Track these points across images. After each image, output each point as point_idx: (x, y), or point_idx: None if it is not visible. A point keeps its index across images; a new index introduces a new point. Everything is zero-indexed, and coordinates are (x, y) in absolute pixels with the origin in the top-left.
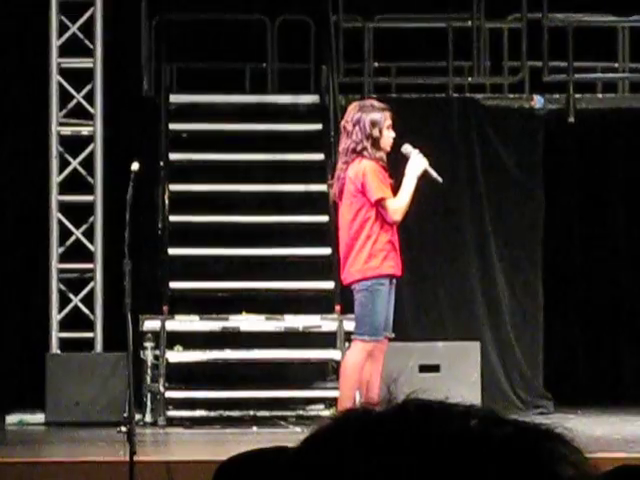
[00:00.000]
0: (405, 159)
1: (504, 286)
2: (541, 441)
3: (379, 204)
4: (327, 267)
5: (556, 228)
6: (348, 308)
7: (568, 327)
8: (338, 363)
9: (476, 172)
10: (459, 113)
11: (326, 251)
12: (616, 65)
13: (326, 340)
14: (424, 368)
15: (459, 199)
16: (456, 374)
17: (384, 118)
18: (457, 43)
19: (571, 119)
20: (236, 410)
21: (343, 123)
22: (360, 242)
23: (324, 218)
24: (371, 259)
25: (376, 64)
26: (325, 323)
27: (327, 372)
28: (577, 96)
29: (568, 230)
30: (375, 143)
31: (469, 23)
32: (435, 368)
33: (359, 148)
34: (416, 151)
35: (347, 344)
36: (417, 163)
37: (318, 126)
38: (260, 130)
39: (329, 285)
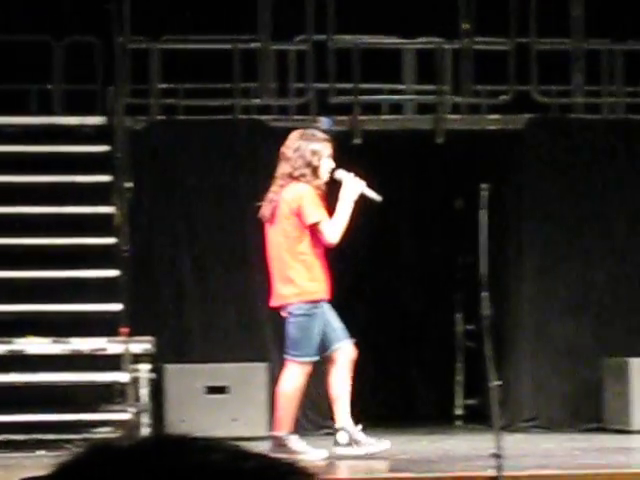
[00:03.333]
0: (339, 184)
1: None
2: (285, 476)
3: (315, 228)
4: (114, 289)
5: (343, 250)
6: (135, 330)
7: (356, 348)
8: (123, 385)
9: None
10: (246, 135)
11: (113, 273)
12: (402, 87)
13: (112, 362)
14: (212, 390)
15: (244, 220)
16: (244, 395)
17: (324, 148)
18: (243, 64)
19: (357, 140)
20: (22, 434)
21: (283, 149)
22: (296, 265)
23: (111, 240)
24: (310, 282)
25: (163, 85)
26: (111, 346)
27: (113, 395)
28: (363, 118)
29: (355, 251)
30: (314, 171)
31: (255, 44)
32: (223, 390)
33: (297, 174)
34: (350, 175)
35: (134, 366)
36: (352, 187)
37: (105, 147)
38: (46, 152)
39: (116, 307)
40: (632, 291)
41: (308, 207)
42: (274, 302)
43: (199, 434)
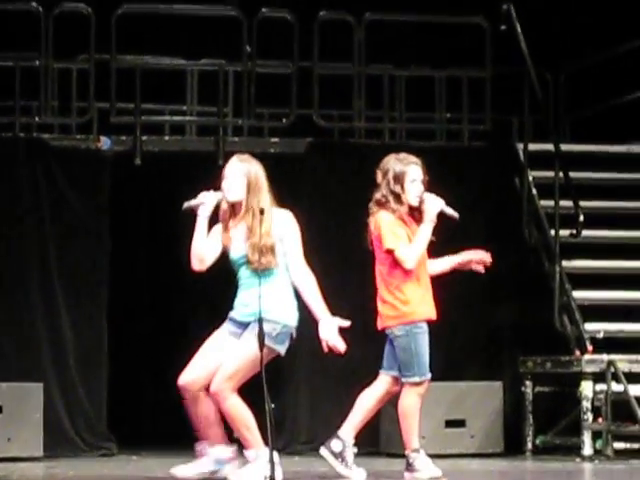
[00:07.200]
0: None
1: (68, 327)
2: None
3: (391, 254)
4: None
5: (123, 269)
6: None
7: (133, 367)
8: None
9: (43, 214)
10: (26, 153)
11: None
12: (184, 108)
13: None
14: None
15: (22, 240)
16: (19, 416)
17: (408, 172)
18: (25, 82)
19: (138, 161)
20: None
21: (378, 173)
22: (391, 289)
23: None
24: (405, 305)
25: None
26: None
27: None
28: (144, 138)
29: (135, 270)
30: (397, 198)
31: (37, 62)
32: None
33: (383, 201)
34: (430, 195)
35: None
36: (432, 206)
37: None
38: None
39: None
40: None
41: (384, 235)
42: (379, 325)
43: None
